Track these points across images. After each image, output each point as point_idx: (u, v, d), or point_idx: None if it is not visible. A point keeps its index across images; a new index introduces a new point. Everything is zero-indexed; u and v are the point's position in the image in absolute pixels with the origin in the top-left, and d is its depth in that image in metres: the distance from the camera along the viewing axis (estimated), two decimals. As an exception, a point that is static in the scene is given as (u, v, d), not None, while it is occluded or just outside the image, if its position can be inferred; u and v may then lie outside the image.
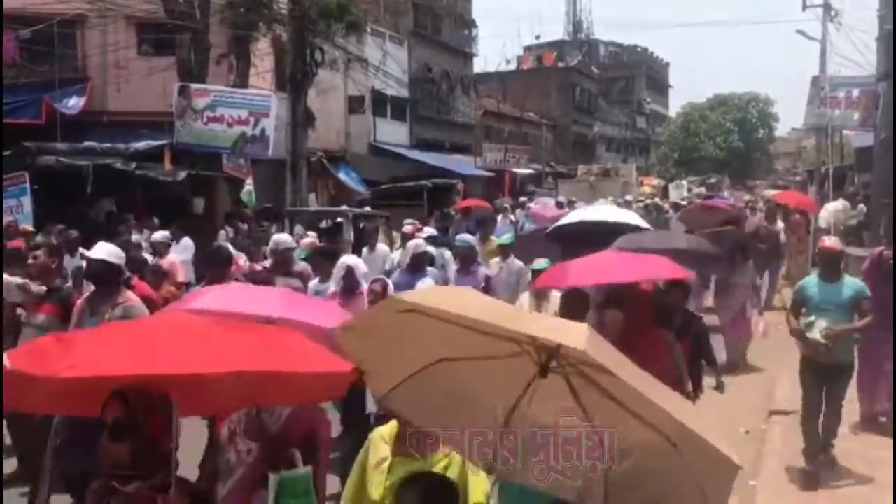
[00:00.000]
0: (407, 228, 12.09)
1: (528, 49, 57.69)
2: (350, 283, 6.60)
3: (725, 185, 41.85)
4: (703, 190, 36.48)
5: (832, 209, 20.07)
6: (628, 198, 24.25)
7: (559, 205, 20.71)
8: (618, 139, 60.62)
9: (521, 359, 2.25)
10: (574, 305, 5.27)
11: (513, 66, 51.49)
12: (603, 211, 8.36)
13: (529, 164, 38.90)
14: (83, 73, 17.88)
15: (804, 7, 26.19)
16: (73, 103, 16.94)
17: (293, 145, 18.31)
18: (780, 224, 16.21)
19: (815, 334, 6.02)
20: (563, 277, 5.75)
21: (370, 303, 5.76)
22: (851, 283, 6.34)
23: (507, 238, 9.32)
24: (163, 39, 17.42)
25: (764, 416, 7.74)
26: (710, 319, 10.99)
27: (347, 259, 7.12)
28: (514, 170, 35.71)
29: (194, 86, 16.45)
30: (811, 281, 6.47)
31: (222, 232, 14.83)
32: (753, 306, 10.10)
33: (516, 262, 8.52)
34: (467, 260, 8.30)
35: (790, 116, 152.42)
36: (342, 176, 23.64)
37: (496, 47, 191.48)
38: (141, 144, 16.19)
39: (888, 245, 7.68)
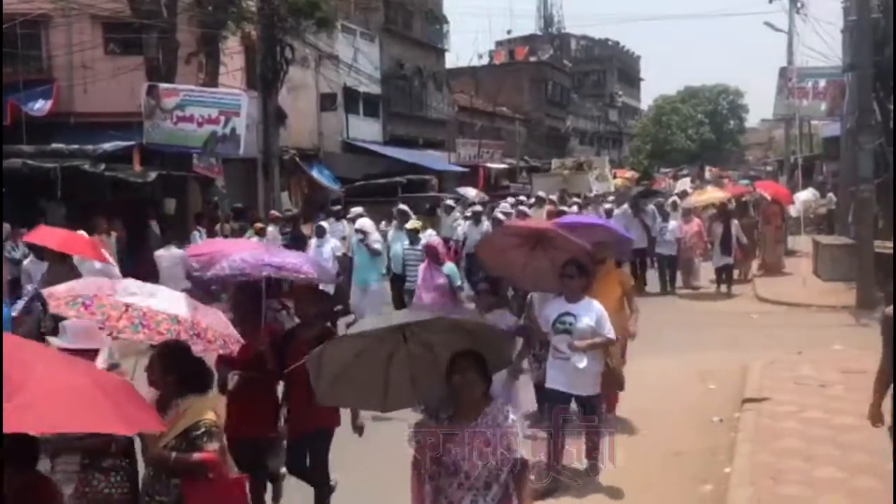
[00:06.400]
0: None
1: (499, 44, 57.67)
2: None
3: (697, 174, 41.29)
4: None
5: (802, 198, 20.38)
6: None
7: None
8: (591, 132, 60.91)
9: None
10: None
11: (485, 61, 51.51)
12: None
13: (503, 158, 38.98)
14: (49, 73, 17.60)
15: (770, -1, 26.55)
16: (40, 106, 16.66)
17: (265, 144, 18.17)
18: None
19: None
20: None
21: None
22: None
23: None
24: (130, 39, 17.19)
25: (737, 404, 7.81)
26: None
27: None
28: (489, 165, 35.76)
29: (163, 85, 16.26)
30: None
31: (195, 233, 14.70)
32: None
33: None
34: None
35: (760, 107, 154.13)
36: (315, 174, 23.51)
37: (468, 42, 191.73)
38: (109, 145, 15.99)
39: None
